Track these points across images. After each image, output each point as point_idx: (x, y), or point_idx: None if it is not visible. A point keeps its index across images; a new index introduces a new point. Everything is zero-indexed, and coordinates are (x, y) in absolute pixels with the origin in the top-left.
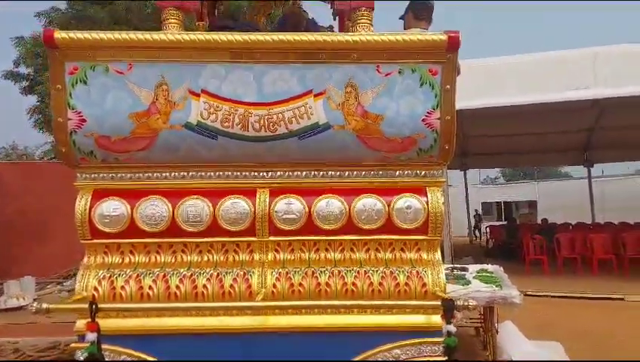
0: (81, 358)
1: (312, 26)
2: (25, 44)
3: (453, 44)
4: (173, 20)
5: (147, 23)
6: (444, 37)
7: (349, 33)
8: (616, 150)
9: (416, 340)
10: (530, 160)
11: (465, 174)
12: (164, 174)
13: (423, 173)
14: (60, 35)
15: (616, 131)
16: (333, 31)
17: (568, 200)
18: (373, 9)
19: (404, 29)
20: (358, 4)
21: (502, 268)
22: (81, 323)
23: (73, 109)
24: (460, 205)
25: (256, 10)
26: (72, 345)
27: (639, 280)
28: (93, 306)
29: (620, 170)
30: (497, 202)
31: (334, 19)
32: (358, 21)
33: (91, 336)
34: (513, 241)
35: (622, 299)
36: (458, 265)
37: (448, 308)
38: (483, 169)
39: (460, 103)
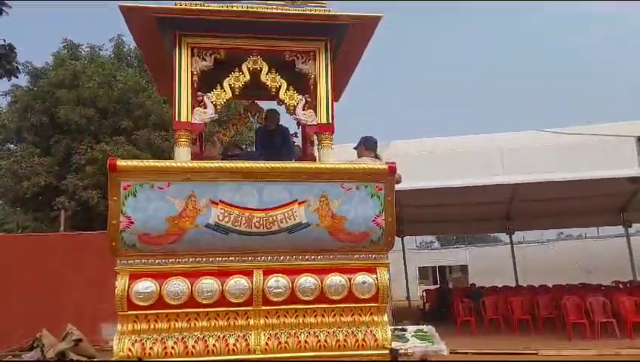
0: None
1: (284, 130)
2: None
3: (391, 170)
4: (183, 140)
5: (113, 105)
6: (385, 166)
7: (322, 162)
8: (532, 219)
9: None
10: (459, 228)
11: (402, 240)
12: (184, 260)
13: (374, 256)
14: (121, 163)
15: (530, 203)
16: (297, 136)
17: (496, 264)
18: (333, 132)
19: (358, 156)
20: (322, 130)
21: (434, 329)
22: None
23: (124, 214)
24: (400, 270)
25: (247, 111)
26: None
27: (551, 337)
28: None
29: (546, 236)
30: (433, 266)
31: (298, 127)
32: (323, 142)
33: None
34: (445, 304)
35: (535, 354)
36: (399, 326)
37: (394, 356)
38: (418, 236)
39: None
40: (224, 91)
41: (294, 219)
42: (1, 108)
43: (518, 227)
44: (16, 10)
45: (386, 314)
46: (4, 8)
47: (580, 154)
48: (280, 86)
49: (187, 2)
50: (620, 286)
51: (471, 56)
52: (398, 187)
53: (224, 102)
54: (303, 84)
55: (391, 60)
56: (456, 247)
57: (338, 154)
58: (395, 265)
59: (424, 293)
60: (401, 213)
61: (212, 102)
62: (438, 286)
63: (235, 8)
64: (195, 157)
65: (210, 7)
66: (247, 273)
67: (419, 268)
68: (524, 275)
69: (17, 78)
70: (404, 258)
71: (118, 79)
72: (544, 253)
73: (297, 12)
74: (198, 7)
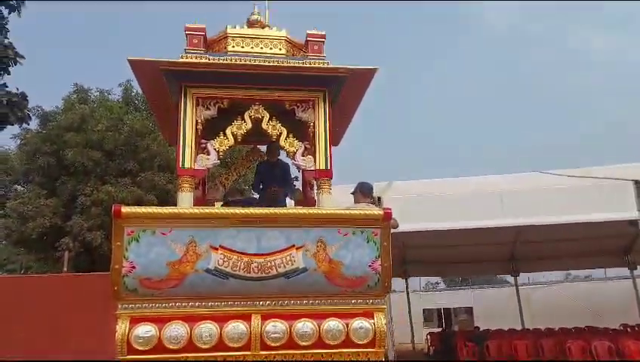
0: None
1: (284, 164)
2: None
3: (387, 216)
4: (186, 185)
5: (120, 148)
6: (381, 212)
7: (320, 208)
8: (537, 261)
9: None
10: (463, 269)
11: (406, 281)
12: (184, 304)
13: (371, 301)
14: (125, 209)
15: (534, 245)
16: (297, 180)
17: (501, 306)
18: (331, 177)
19: (355, 202)
20: (321, 176)
21: None
22: None
23: (127, 259)
24: (404, 312)
25: (249, 156)
26: None
27: None
28: None
29: (552, 277)
30: (438, 308)
31: (298, 171)
32: (321, 187)
33: None
34: (449, 348)
35: None
36: None
37: None
38: (422, 276)
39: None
40: (227, 138)
41: (292, 264)
42: (10, 150)
43: (523, 269)
44: (30, 60)
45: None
46: (18, 59)
47: (581, 197)
48: (280, 133)
49: (193, 55)
50: (628, 329)
51: (470, 100)
52: (400, 228)
53: (227, 149)
54: (302, 131)
55: (390, 102)
56: (462, 288)
57: (339, 194)
58: (400, 306)
59: (428, 336)
60: (405, 254)
61: (215, 148)
62: (442, 329)
63: (239, 62)
64: (197, 201)
65: (215, 61)
66: (246, 317)
67: (424, 309)
68: (530, 317)
69: (28, 124)
70: (408, 300)
71: (126, 122)
72: (551, 295)
73: (297, 65)
74: (204, 60)
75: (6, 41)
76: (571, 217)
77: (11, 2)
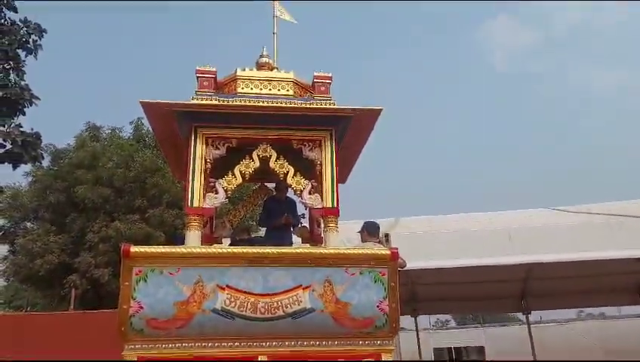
0: None
1: (292, 201)
2: (6, 198)
3: (393, 256)
4: (195, 224)
5: (129, 185)
6: (388, 252)
7: (326, 247)
8: (549, 298)
9: None
10: (473, 306)
11: (416, 320)
12: (190, 344)
13: (379, 342)
14: (134, 249)
15: (545, 282)
16: (304, 217)
17: (514, 345)
18: (338, 215)
19: (361, 241)
20: (328, 214)
21: None
22: None
23: (134, 299)
24: (414, 351)
25: (257, 193)
26: None
27: None
28: None
29: (564, 315)
30: (449, 347)
31: (305, 208)
32: (328, 225)
33: None
34: None
35: None
36: None
37: None
38: (433, 314)
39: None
40: (235, 177)
41: (299, 305)
42: (21, 187)
43: (535, 306)
44: (45, 102)
45: None
46: (34, 100)
47: (590, 233)
48: (288, 172)
49: (204, 97)
50: None
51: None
52: (409, 265)
53: (235, 188)
54: (309, 169)
55: (396, 139)
56: (474, 327)
57: (344, 232)
58: (410, 345)
59: None
60: (414, 291)
61: (223, 187)
62: None
63: (248, 103)
64: (205, 239)
65: (226, 103)
66: (252, 358)
67: (434, 349)
68: (543, 356)
69: (41, 163)
70: (417, 339)
71: (136, 160)
72: (564, 333)
73: (305, 106)
74: (215, 102)
75: (22, 83)
76: (583, 254)
77: (28, 45)
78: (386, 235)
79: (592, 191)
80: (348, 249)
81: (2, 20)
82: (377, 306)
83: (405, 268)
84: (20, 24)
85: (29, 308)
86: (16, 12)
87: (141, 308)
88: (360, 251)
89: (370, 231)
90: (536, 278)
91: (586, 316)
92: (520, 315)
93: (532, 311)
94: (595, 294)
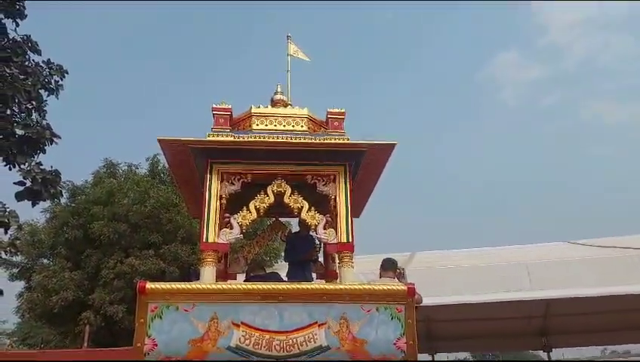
0: None
1: (311, 238)
2: (24, 234)
3: (410, 292)
4: (209, 260)
5: (144, 221)
6: (404, 287)
7: (342, 283)
8: (570, 335)
9: None
10: (492, 344)
11: (433, 357)
12: None
13: None
14: (150, 286)
15: (566, 318)
16: (319, 250)
17: None
18: (353, 250)
19: (379, 277)
20: (342, 249)
21: None
22: None
23: (149, 337)
24: None
25: (272, 229)
26: None
27: None
28: None
29: (587, 353)
30: None
31: (320, 244)
32: (343, 260)
33: None
34: None
35: None
36: None
37: None
38: (451, 352)
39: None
40: (250, 212)
41: (314, 342)
42: (38, 223)
43: (556, 344)
44: (65, 139)
45: None
46: (54, 138)
47: (608, 266)
48: (302, 207)
49: (219, 133)
50: None
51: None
52: (425, 301)
53: (249, 223)
54: (324, 204)
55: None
56: None
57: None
58: None
59: None
60: (430, 328)
61: (238, 223)
62: None
63: (263, 139)
64: (219, 275)
65: (241, 139)
66: None
67: None
68: None
69: (60, 201)
70: None
71: (152, 195)
72: None
73: (319, 141)
74: (231, 139)
75: (44, 122)
76: (604, 289)
77: (50, 86)
78: (402, 270)
79: (607, 224)
80: (363, 284)
81: (27, 62)
82: (394, 344)
83: (421, 304)
84: (43, 65)
85: (42, 346)
86: (40, 55)
87: (155, 345)
88: (376, 287)
89: (386, 267)
90: (557, 315)
91: (611, 354)
92: (541, 353)
93: (553, 349)
94: (619, 331)
